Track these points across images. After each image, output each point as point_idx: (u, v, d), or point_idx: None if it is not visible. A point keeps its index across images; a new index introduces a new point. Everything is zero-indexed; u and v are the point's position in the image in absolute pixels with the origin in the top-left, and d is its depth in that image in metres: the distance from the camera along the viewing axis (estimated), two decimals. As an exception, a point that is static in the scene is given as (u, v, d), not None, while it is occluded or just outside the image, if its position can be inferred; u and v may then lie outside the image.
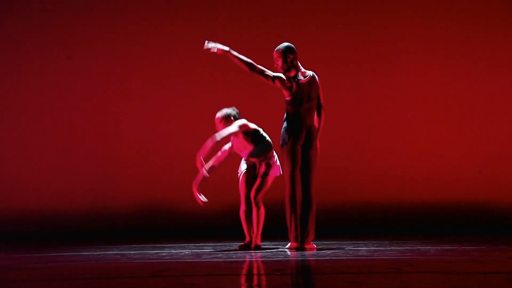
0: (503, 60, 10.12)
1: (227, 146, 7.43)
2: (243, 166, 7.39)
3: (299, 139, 7.07)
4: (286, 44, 7.18)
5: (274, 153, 7.33)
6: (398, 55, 10.11)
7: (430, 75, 10.14)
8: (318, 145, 7.20)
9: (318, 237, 7.46)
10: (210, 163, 7.33)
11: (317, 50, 10.01)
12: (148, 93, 10.18)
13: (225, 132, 7.08)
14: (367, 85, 10.11)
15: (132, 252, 7.11)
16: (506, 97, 10.11)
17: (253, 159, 7.31)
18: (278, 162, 7.30)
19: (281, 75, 7.09)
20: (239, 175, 7.39)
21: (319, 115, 7.18)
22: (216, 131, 7.15)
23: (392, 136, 10.05)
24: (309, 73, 7.21)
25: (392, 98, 10.11)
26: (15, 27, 10.20)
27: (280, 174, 7.26)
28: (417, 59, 10.11)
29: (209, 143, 6.99)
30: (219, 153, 7.42)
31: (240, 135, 7.25)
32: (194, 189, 7.17)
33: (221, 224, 9.79)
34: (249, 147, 7.27)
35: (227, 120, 7.23)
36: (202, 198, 7.18)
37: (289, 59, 7.09)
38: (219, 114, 7.27)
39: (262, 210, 7.21)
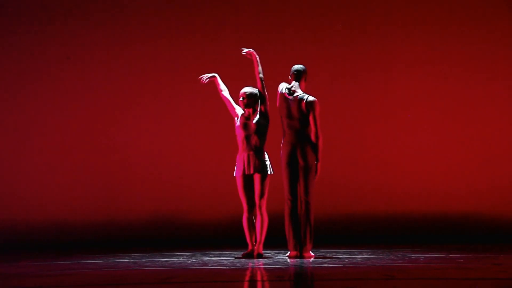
0: (503, 67, 10.04)
1: (235, 106, 7.57)
2: (238, 170, 7.47)
3: (287, 153, 7.40)
4: (296, 65, 7.63)
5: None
6: (396, 66, 10.03)
7: (430, 86, 10.02)
8: (319, 168, 7.41)
9: (316, 246, 7.55)
10: (223, 85, 7.57)
11: (318, 60, 9.87)
12: (157, 105, 10.14)
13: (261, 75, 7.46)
14: (365, 95, 10.03)
15: (143, 260, 7.16)
16: (506, 106, 10.04)
17: (252, 152, 7.42)
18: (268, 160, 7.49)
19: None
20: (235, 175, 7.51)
21: (314, 146, 7.45)
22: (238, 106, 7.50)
23: (385, 149, 9.97)
24: (299, 94, 7.48)
25: (390, 110, 10.02)
26: (15, 28, 10.15)
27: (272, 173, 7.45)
28: (416, 70, 10.01)
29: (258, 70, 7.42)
30: (228, 95, 7.59)
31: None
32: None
33: (226, 234, 9.77)
34: (253, 135, 7.45)
35: (250, 98, 7.43)
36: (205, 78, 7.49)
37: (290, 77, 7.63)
38: (247, 90, 7.47)
39: (266, 217, 7.35)
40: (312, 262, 6.81)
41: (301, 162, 7.37)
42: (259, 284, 5.52)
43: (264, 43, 9.91)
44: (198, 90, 9.55)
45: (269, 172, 7.44)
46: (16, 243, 9.80)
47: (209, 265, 6.67)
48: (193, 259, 7.23)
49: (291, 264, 6.73)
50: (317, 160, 7.41)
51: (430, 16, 10.11)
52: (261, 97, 7.49)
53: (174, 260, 7.22)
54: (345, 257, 7.21)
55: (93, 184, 10.07)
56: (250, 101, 7.46)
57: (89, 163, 10.10)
